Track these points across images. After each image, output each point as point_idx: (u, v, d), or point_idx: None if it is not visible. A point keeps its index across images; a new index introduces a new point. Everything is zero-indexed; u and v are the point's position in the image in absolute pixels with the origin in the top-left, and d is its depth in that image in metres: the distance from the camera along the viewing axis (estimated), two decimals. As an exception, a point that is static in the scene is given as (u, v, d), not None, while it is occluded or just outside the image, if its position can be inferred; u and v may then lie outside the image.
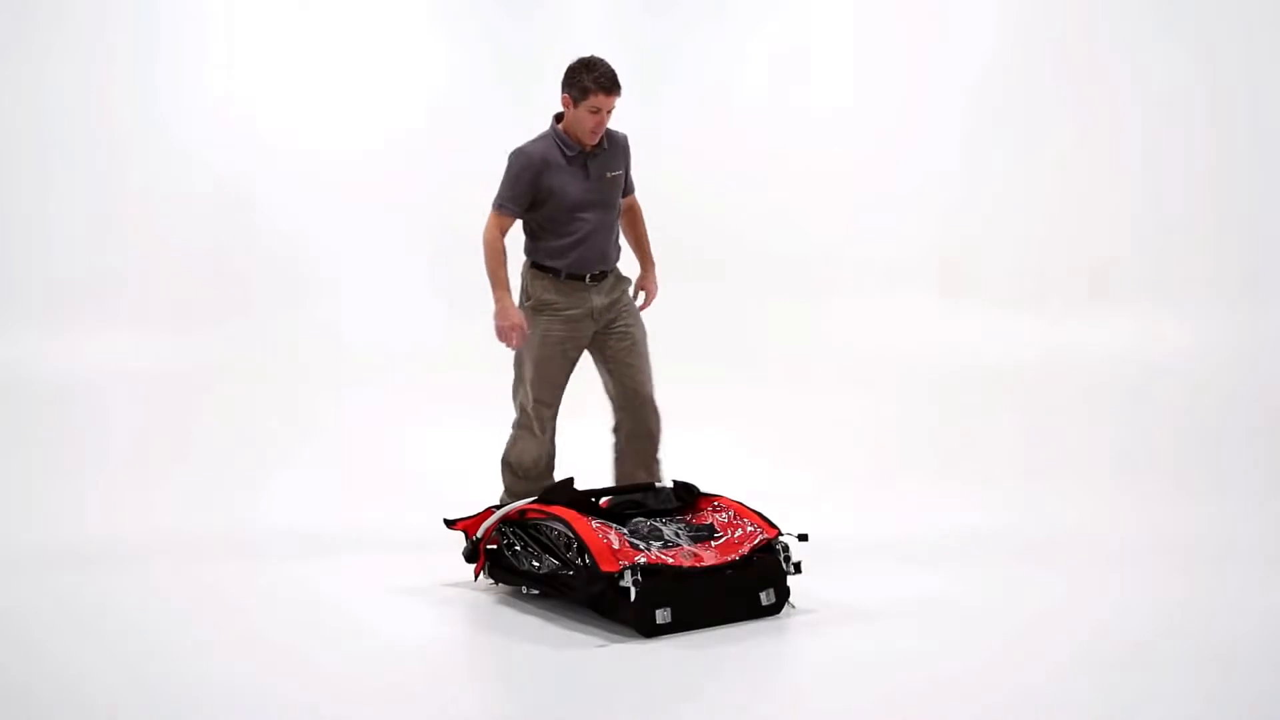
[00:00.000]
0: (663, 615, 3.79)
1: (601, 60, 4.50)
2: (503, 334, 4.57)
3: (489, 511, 4.26)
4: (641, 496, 4.38)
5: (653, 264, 4.86)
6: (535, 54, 7.90)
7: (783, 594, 4.00)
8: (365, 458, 6.23)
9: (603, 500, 4.37)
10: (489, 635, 3.90)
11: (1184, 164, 6.64)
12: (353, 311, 7.43)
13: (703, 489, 4.41)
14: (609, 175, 4.58)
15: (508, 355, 7.39)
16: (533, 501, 4.22)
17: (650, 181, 7.79)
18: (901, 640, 3.80)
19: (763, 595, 3.96)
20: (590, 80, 4.44)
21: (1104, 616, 3.96)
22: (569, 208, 4.53)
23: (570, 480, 4.37)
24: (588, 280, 4.58)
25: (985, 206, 7.08)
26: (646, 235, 4.89)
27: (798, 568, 4.06)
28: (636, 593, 3.75)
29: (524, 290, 4.68)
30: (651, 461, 4.64)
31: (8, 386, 6.62)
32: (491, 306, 4.59)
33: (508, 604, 4.14)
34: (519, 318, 4.55)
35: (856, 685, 3.62)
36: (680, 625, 3.81)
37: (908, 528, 4.89)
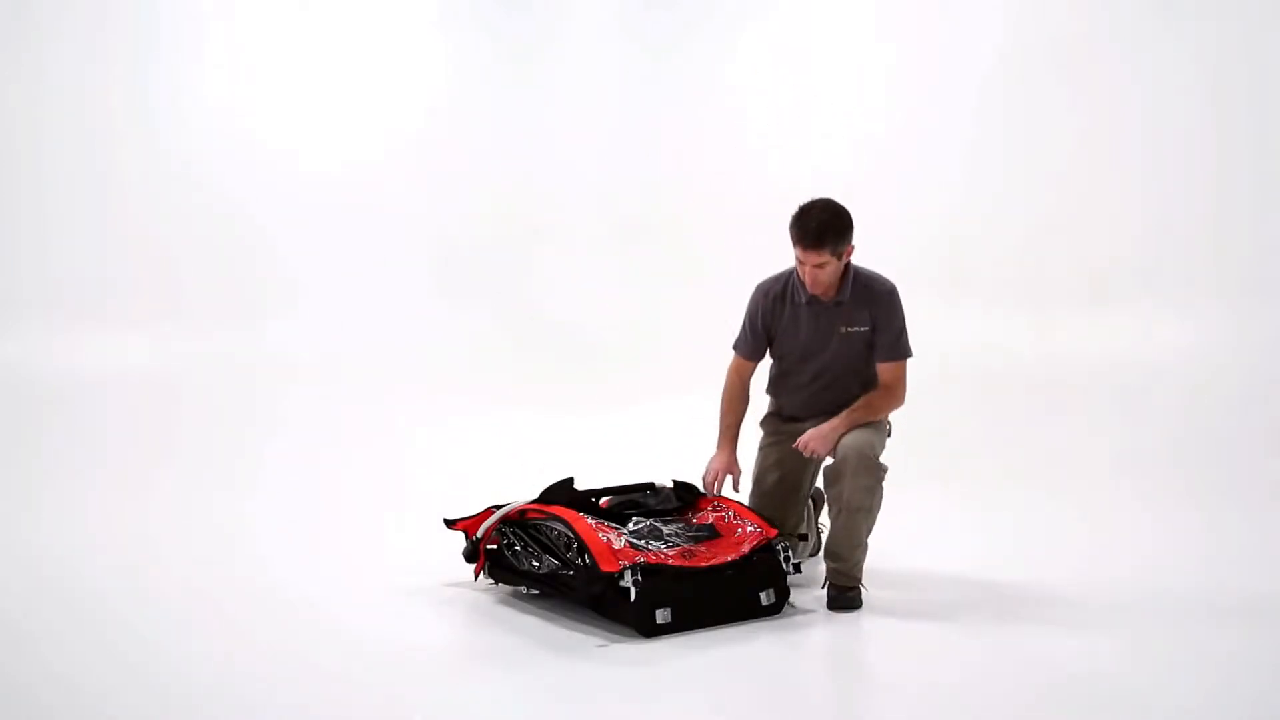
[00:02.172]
0: (663, 615, 3.79)
1: (816, 206, 4.04)
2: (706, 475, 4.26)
3: (489, 511, 4.26)
4: (641, 496, 4.38)
5: (846, 422, 4.10)
6: (536, 51, 7.91)
7: (783, 594, 4.00)
8: (365, 458, 6.23)
9: (602, 500, 4.36)
10: (489, 635, 3.90)
11: (1184, 164, 6.63)
12: (352, 312, 7.43)
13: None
14: (844, 330, 4.13)
15: (506, 354, 7.44)
16: (533, 501, 4.22)
17: (650, 178, 7.87)
18: (901, 640, 3.80)
19: (763, 595, 3.96)
20: (792, 230, 4.02)
21: (1103, 616, 3.96)
22: (786, 352, 4.22)
23: (570, 480, 4.36)
24: (806, 421, 4.23)
25: (985, 207, 7.08)
26: (872, 404, 4.16)
27: (797, 568, 4.06)
28: (636, 593, 3.75)
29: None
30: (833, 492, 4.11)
31: (5, 387, 6.62)
32: None
33: (508, 604, 4.13)
34: (719, 465, 4.23)
35: (857, 685, 3.62)
36: (680, 625, 3.81)
37: (907, 528, 4.88)
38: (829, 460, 4.14)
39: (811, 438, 4.11)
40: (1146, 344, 6.50)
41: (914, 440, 6.09)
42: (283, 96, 7.47)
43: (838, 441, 4.09)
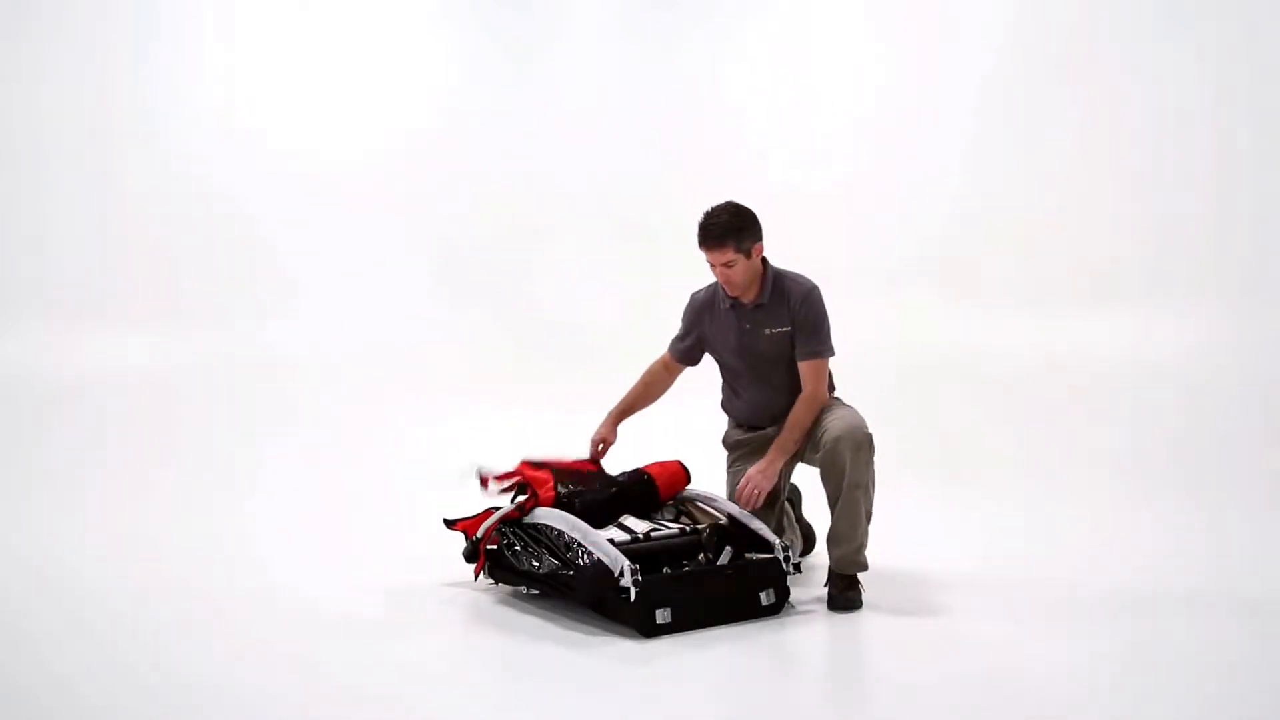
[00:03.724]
0: (663, 615, 3.79)
1: (719, 208, 4.14)
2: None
3: (489, 512, 4.26)
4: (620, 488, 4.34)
5: (779, 451, 4.17)
6: (536, 51, 7.91)
7: (783, 594, 4.00)
8: (365, 458, 6.23)
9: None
10: (489, 635, 3.90)
11: (1184, 164, 6.63)
12: (352, 312, 7.43)
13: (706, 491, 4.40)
14: (768, 332, 4.22)
15: (506, 354, 7.44)
16: (527, 498, 4.21)
17: (650, 177, 7.86)
18: (900, 640, 3.80)
19: (763, 595, 3.96)
20: (698, 234, 4.12)
21: (1104, 615, 3.96)
22: (723, 360, 4.36)
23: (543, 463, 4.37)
24: (768, 428, 4.32)
25: (985, 207, 7.08)
26: (797, 418, 4.17)
27: (797, 568, 4.06)
28: (637, 593, 3.75)
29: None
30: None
31: (5, 387, 6.62)
32: None
33: (508, 604, 4.13)
34: (597, 434, 4.44)
35: (857, 684, 3.62)
36: (680, 625, 3.81)
37: (905, 528, 4.89)
38: (824, 446, 4.12)
39: (753, 481, 4.14)
40: (1146, 344, 6.50)
41: (913, 439, 6.12)
42: (282, 96, 7.47)
43: (780, 471, 4.18)
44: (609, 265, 7.67)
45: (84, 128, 7.10)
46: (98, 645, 3.80)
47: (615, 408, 4.51)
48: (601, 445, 4.47)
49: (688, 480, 4.36)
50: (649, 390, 4.52)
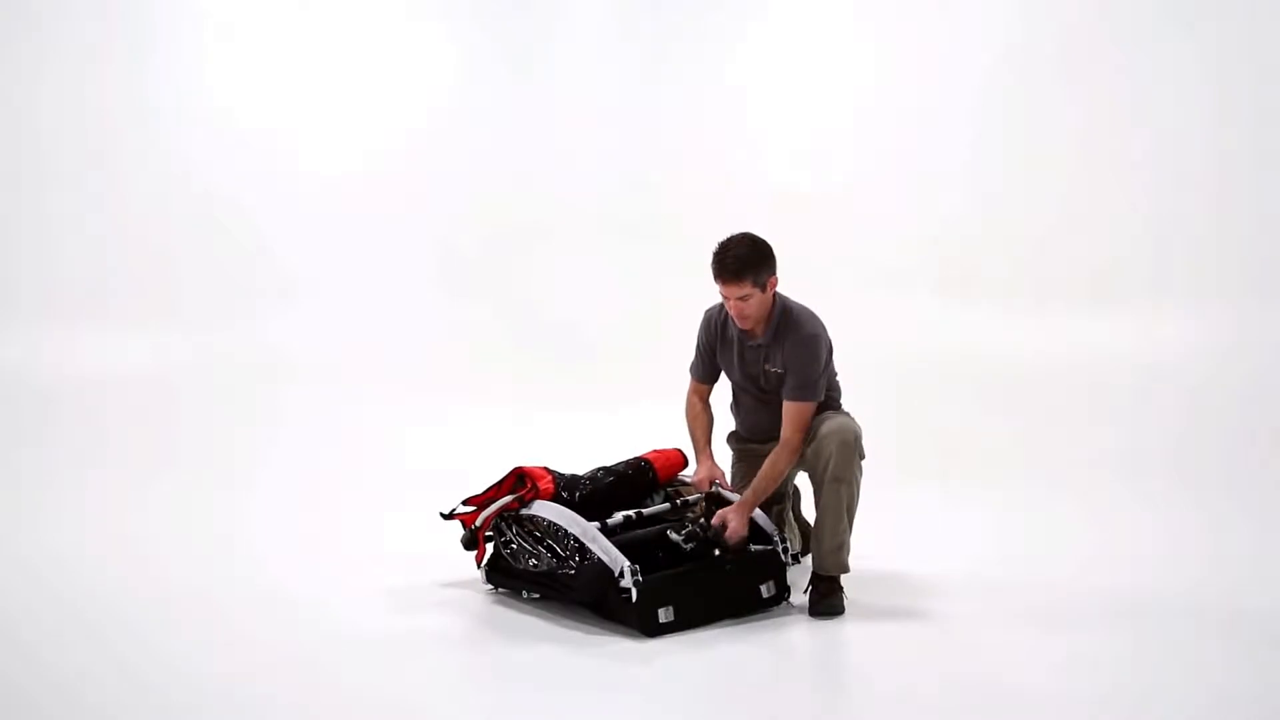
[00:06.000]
0: (665, 614, 3.80)
1: (736, 240, 4.08)
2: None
3: (490, 492, 4.24)
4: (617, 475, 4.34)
5: (754, 495, 4.05)
6: (536, 51, 7.91)
7: (782, 586, 4.02)
8: (364, 457, 6.23)
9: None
10: (488, 635, 3.90)
11: (1186, 163, 6.63)
12: (351, 312, 7.42)
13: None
14: (767, 369, 4.18)
15: (506, 354, 7.45)
16: (526, 490, 4.20)
17: (650, 177, 7.87)
18: (900, 639, 3.80)
19: (763, 588, 3.98)
20: (713, 266, 4.06)
21: (1104, 615, 3.96)
22: (731, 379, 4.34)
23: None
24: (767, 443, 4.27)
25: (985, 206, 7.08)
26: (774, 470, 4.07)
27: (796, 558, 4.08)
28: (638, 593, 3.75)
29: None
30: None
31: (5, 387, 6.62)
32: None
33: (508, 604, 4.13)
34: (702, 475, 4.29)
35: (856, 685, 3.62)
36: (682, 623, 3.81)
37: (906, 528, 4.89)
38: (814, 444, 4.11)
39: (734, 533, 3.99)
40: (1148, 343, 6.50)
41: (913, 439, 6.12)
42: (282, 96, 7.47)
43: (749, 512, 4.07)
44: (609, 265, 7.67)
45: (84, 128, 7.10)
46: (98, 645, 3.79)
47: (699, 449, 4.35)
48: (713, 483, 4.29)
49: (685, 464, 4.37)
50: (705, 419, 4.40)
